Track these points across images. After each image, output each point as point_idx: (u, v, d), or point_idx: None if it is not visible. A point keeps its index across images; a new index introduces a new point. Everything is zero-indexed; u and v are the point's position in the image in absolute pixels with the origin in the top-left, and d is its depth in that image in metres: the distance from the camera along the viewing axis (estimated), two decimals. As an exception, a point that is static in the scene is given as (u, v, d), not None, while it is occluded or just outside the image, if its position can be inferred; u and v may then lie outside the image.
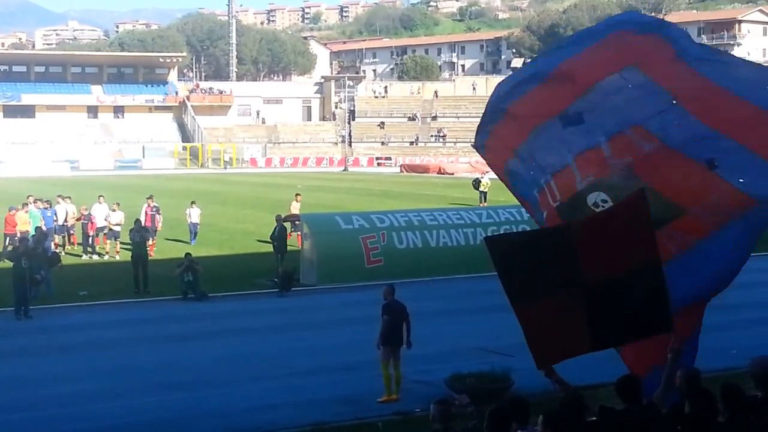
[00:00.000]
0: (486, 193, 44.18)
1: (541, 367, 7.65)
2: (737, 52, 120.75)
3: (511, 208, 27.48)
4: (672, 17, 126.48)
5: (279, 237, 26.62)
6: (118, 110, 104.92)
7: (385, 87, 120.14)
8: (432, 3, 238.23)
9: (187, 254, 24.15)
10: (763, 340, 16.66)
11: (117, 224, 29.68)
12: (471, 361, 15.06)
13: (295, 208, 32.27)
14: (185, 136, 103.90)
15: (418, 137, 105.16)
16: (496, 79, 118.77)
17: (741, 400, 6.85)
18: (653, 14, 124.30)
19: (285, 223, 27.55)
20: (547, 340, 7.53)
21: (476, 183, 45.46)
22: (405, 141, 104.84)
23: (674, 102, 8.31)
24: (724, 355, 14.05)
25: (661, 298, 7.45)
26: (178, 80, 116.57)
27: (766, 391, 6.81)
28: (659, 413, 7.25)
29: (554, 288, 7.45)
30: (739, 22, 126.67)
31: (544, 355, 7.56)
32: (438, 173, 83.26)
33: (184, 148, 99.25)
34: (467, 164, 79.29)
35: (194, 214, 32.46)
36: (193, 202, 33.04)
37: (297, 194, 34.03)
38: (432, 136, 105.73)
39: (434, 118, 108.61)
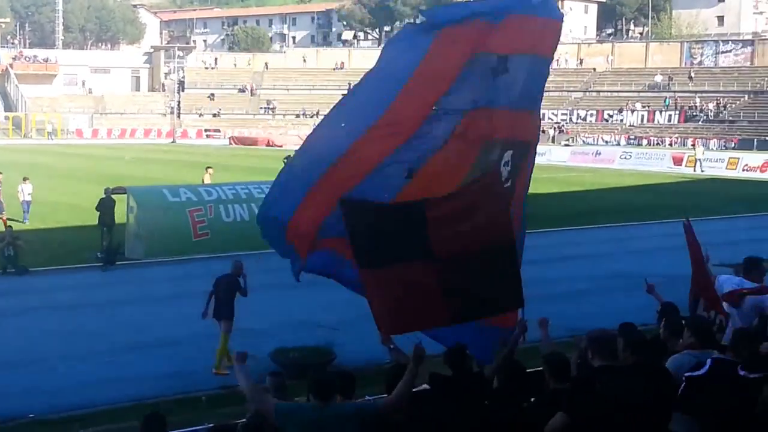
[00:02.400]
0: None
1: (387, 335, 7.61)
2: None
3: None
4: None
5: (104, 209, 25.86)
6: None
7: (216, 58, 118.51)
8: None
9: (9, 227, 23.32)
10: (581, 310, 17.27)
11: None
12: (297, 335, 15.13)
13: (208, 182, 30.95)
14: (8, 105, 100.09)
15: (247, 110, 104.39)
16: (327, 52, 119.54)
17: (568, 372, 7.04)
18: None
19: (113, 196, 26.76)
20: (398, 309, 7.48)
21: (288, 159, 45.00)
22: (234, 113, 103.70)
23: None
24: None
25: (515, 275, 7.60)
26: (1, 47, 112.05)
27: (603, 360, 7.05)
28: (485, 381, 7.50)
29: (407, 256, 7.39)
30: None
31: (392, 323, 7.50)
32: (267, 145, 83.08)
33: (6, 118, 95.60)
34: (296, 136, 79.22)
35: (26, 191, 30.71)
36: (25, 178, 31.15)
37: (208, 167, 32.07)
38: (261, 108, 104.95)
39: (264, 89, 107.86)
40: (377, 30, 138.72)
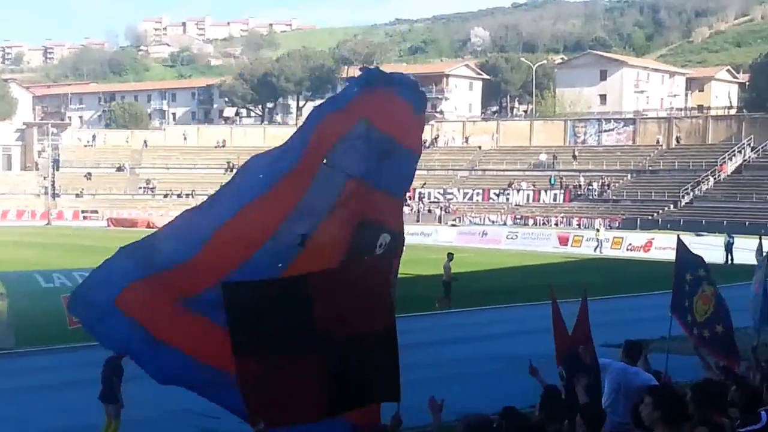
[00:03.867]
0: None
1: (256, 425, 7.21)
2: (445, 105, 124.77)
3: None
4: (384, 69, 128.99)
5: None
6: None
7: (93, 135, 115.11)
8: (142, 47, 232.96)
9: None
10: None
11: None
12: (179, 424, 14.79)
13: None
14: None
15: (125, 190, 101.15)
16: (208, 129, 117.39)
17: None
18: (365, 65, 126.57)
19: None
20: (274, 399, 7.20)
21: None
22: (113, 193, 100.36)
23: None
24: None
25: (393, 365, 7.36)
26: None
27: None
28: None
29: (288, 345, 7.15)
30: (447, 76, 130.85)
31: (267, 414, 7.16)
32: (147, 227, 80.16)
33: None
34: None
35: None
36: None
37: None
38: (140, 187, 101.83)
39: (143, 168, 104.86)
40: (260, 107, 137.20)
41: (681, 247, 13.18)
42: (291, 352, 7.17)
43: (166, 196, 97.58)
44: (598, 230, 65.07)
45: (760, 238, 37.95)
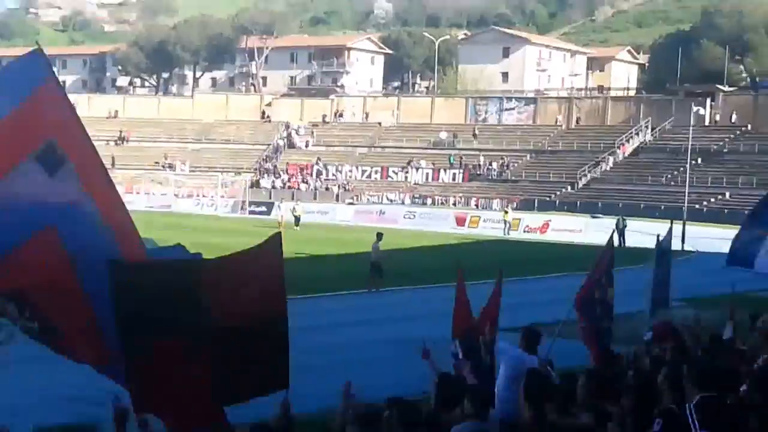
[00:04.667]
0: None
1: (140, 412, 7.00)
2: (346, 79, 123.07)
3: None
4: (284, 41, 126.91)
5: None
6: None
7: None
8: (32, 10, 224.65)
9: None
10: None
11: None
12: (60, 412, 14.41)
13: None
14: None
15: None
16: (101, 99, 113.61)
17: None
18: (264, 37, 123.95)
19: None
20: (158, 386, 6.94)
21: None
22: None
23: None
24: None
25: (283, 353, 7.30)
26: None
27: None
28: None
29: (176, 330, 6.89)
30: (349, 49, 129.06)
31: (148, 401, 6.91)
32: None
33: None
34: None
35: None
36: None
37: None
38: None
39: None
40: (155, 76, 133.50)
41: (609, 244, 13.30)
42: (179, 337, 6.93)
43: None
44: (506, 212, 64.49)
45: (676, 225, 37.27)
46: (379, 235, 32.59)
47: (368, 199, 79.61)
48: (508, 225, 60.86)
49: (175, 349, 6.98)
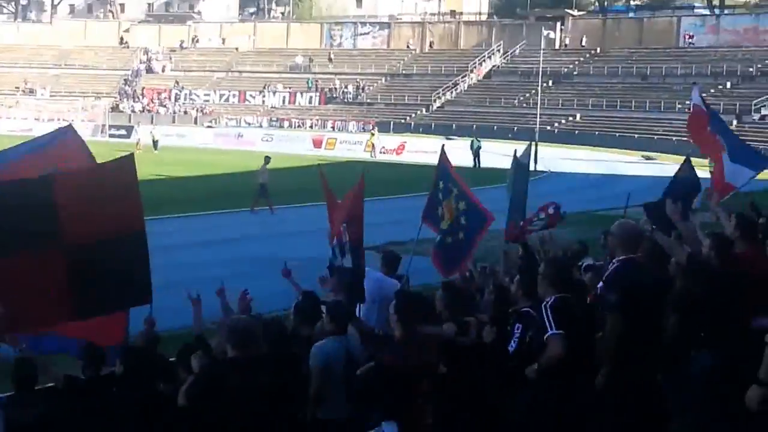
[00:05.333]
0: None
1: (5, 333, 7.14)
2: (202, 6, 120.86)
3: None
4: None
5: None
6: None
7: None
8: None
9: None
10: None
11: None
12: None
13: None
14: None
15: None
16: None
17: None
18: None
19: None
20: (15, 303, 6.89)
21: None
22: None
23: None
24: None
25: (144, 268, 7.46)
26: None
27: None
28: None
29: (31, 243, 7.07)
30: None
31: (8, 321, 6.92)
32: None
33: None
34: None
35: None
36: None
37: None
38: None
39: None
40: (13, 3, 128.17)
41: (442, 156, 13.15)
42: (32, 250, 7.03)
43: None
44: (372, 134, 65.22)
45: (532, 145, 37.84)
46: (267, 159, 33.10)
47: (226, 123, 79.43)
48: (374, 148, 61.93)
49: (30, 261, 7.13)
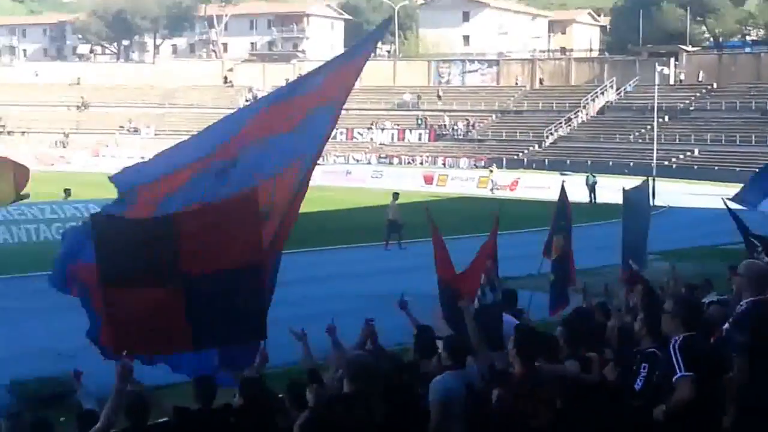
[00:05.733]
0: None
1: (118, 353, 7.18)
2: (306, 45, 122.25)
3: (78, 203, 28.35)
4: (242, 8, 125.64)
5: None
6: None
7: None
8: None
9: None
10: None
11: None
12: (33, 365, 14.50)
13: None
14: None
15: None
16: (62, 66, 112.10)
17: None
18: (223, 4, 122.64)
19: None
20: (135, 329, 7.27)
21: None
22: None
23: None
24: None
25: (260, 304, 7.48)
26: None
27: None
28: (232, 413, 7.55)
29: (153, 278, 7.22)
30: (308, 15, 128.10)
31: (126, 343, 7.21)
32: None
33: None
34: (30, 155, 73.06)
35: None
36: None
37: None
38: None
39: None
40: (115, 44, 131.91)
41: (562, 194, 13.23)
42: (154, 285, 7.20)
43: (24, 133, 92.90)
44: (491, 171, 64.66)
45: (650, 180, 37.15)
46: (396, 195, 32.86)
47: (334, 160, 79.38)
48: (493, 183, 61.31)
49: (151, 295, 7.26)
